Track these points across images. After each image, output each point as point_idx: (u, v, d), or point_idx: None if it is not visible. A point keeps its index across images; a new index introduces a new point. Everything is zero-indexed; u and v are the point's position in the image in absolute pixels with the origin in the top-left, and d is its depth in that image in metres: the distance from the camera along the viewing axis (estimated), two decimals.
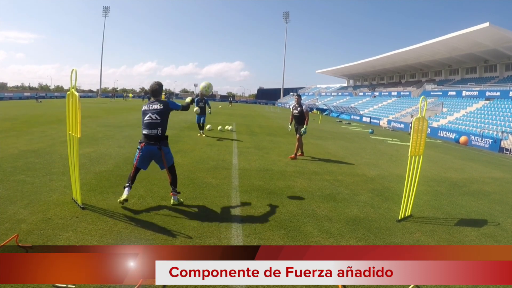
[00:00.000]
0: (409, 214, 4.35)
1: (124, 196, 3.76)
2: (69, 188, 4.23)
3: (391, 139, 16.36)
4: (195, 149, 8.38)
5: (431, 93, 33.24)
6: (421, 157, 4.24)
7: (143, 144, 3.93)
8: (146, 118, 3.98)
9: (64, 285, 2.27)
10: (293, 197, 4.82)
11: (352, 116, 36.12)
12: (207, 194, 4.61)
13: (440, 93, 32.19)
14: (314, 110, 45.13)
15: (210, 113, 11.65)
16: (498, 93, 24.98)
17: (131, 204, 4.00)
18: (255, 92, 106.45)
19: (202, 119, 11.04)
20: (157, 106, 3.98)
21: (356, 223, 3.99)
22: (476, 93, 27.26)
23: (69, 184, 4.20)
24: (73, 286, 2.28)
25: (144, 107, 4.05)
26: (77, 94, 3.49)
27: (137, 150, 3.99)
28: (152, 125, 3.95)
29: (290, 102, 65.91)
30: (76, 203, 3.81)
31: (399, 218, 4.21)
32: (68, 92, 3.61)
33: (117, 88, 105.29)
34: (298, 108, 8.10)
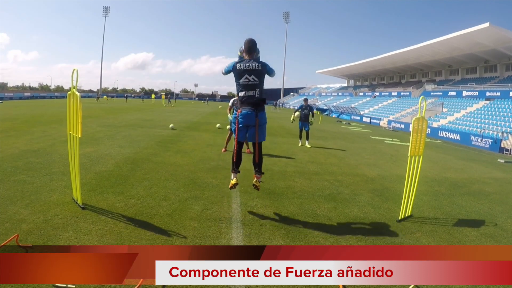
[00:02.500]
0: (409, 214, 4.35)
1: (233, 180, 3.77)
2: (69, 188, 4.24)
3: (391, 139, 16.36)
4: (195, 149, 8.38)
5: (431, 93, 33.23)
6: (421, 157, 4.24)
7: (240, 110, 3.69)
8: (242, 79, 3.67)
9: (64, 285, 2.28)
10: (293, 197, 4.82)
11: (352, 116, 36.11)
12: (207, 194, 4.61)
13: (440, 93, 32.17)
14: (315, 110, 45.14)
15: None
16: (498, 93, 24.97)
17: (131, 204, 4.00)
18: None
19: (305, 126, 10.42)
20: (254, 65, 3.67)
21: (356, 223, 3.99)
22: (476, 93, 27.25)
23: (69, 184, 4.21)
24: (73, 286, 2.28)
25: (239, 66, 3.70)
26: (78, 94, 3.49)
27: (232, 122, 3.80)
28: (249, 87, 3.67)
29: (290, 102, 65.91)
30: (76, 203, 3.81)
31: (399, 218, 4.21)
32: (69, 92, 3.61)
33: (117, 88, 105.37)
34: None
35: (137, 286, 2.30)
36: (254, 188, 4.01)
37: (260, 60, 3.80)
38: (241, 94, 3.68)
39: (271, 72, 3.82)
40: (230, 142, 8.20)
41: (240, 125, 3.73)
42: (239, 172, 3.89)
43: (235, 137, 3.77)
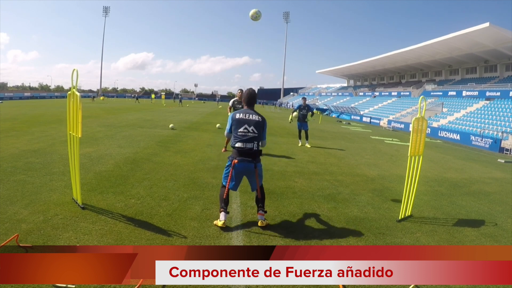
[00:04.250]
0: (409, 214, 4.35)
1: (221, 220, 3.44)
2: (69, 188, 4.24)
3: (391, 139, 16.36)
4: (195, 149, 8.38)
5: (431, 93, 33.23)
6: (421, 157, 4.24)
7: (236, 160, 3.47)
8: (241, 129, 3.53)
9: (64, 285, 2.28)
10: (293, 197, 4.82)
11: (352, 116, 36.11)
12: (207, 194, 4.61)
13: (440, 93, 32.17)
14: (315, 110, 45.14)
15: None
16: (498, 93, 24.96)
17: (131, 204, 4.00)
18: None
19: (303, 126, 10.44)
20: (255, 117, 3.56)
21: (356, 223, 3.99)
22: (476, 93, 27.25)
23: (69, 184, 4.21)
24: (73, 286, 2.28)
25: (238, 116, 3.57)
26: (78, 94, 3.49)
27: (227, 167, 3.59)
28: (248, 139, 3.51)
29: (290, 102, 65.88)
30: (76, 203, 3.81)
31: (399, 218, 4.21)
32: (69, 92, 3.61)
33: (117, 87, 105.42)
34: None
35: (137, 286, 2.29)
36: (260, 227, 3.62)
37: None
38: (238, 145, 3.50)
39: (264, 133, 3.69)
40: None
41: (234, 176, 3.55)
42: (228, 213, 3.56)
43: (226, 185, 3.54)
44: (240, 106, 8.21)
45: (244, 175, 3.62)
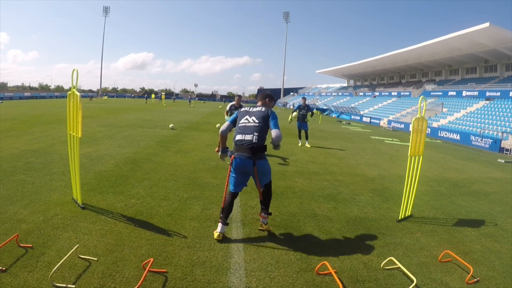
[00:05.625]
0: (409, 214, 4.35)
1: (217, 231, 3.14)
2: (69, 188, 4.24)
3: (391, 139, 16.36)
4: (195, 149, 8.39)
5: (431, 93, 33.22)
6: (421, 157, 4.24)
7: (233, 156, 3.14)
8: (242, 120, 3.26)
9: (64, 285, 2.28)
10: (293, 197, 4.82)
11: (352, 116, 36.10)
12: (207, 194, 4.61)
13: (440, 93, 32.16)
14: (315, 110, 45.17)
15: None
16: (498, 93, 24.96)
17: (131, 204, 4.00)
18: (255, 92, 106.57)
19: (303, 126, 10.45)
20: (258, 108, 3.30)
21: (356, 223, 3.98)
22: (476, 93, 27.24)
23: (69, 184, 4.21)
24: (73, 286, 2.28)
25: (243, 109, 3.40)
26: (78, 94, 3.49)
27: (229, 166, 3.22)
28: (246, 129, 3.16)
29: (290, 102, 65.85)
30: (76, 203, 3.81)
31: (399, 218, 4.21)
32: (69, 92, 3.60)
33: (117, 87, 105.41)
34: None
35: (137, 286, 2.30)
36: (260, 230, 3.35)
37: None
38: (237, 138, 3.18)
39: (273, 124, 3.19)
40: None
41: (233, 174, 3.19)
42: (227, 224, 3.22)
43: (226, 184, 3.23)
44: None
45: (248, 174, 3.22)
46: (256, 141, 3.10)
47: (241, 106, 8.28)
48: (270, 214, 3.36)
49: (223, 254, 2.91)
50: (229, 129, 3.41)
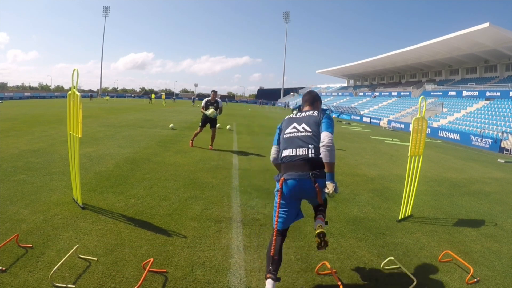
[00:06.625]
0: (409, 214, 4.35)
1: None
2: (69, 188, 4.24)
3: (391, 139, 16.36)
4: (195, 149, 8.39)
5: (431, 93, 33.22)
6: (421, 157, 4.24)
7: (283, 178, 2.37)
8: (287, 130, 2.53)
9: (64, 285, 2.28)
10: None
11: (352, 116, 36.09)
12: (207, 194, 4.61)
13: (440, 93, 32.16)
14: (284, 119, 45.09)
15: None
16: (498, 93, 24.96)
17: (131, 204, 4.00)
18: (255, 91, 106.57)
19: None
20: (308, 112, 2.57)
21: (356, 223, 3.98)
22: (476, 93, 27.24)
23: (69, 184, 4.21)
24: (73, 286, 2.28)
25: (288, 116, 2.68)
26: (78, 94, 3.49)
27: (275, 195, 2.45)
28: (296, 140, 2.43)
29: (292, 101, 65.84)
30: (76, 203, 3.81)
31: (399, 218, 4.21)
32: (69, 92, 3.61)
33: (117, 87, 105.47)
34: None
35: (137, 286, 2.30)
36: (318, 240, 2.36)
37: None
38: (285, 153, 2.43)
39: (327, 121, 2.45)
40: (197, 138, 8.92)
41: (284, 206, 2.42)
42: (278, 280, 2.30)
43: (275, 222, 2.41)
44: (212, 107, 8.54)
45: (302, 199, 2.52)
46: (313, 154, 2.34)
47: (216, 102, 8.54)
48: (326, 223, 2.57)
49: (223, 254, 2.91)
50: (277, 150, 2.63)
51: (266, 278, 2.25)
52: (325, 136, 2.35)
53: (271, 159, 2.67)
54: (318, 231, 2.36)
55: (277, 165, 2.61)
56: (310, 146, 2.36)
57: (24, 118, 13.58)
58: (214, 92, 8.59)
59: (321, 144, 2.33)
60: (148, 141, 9.14)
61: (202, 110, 8.42)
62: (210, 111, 8.31)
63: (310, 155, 2.34)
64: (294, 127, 2.50)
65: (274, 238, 2.36)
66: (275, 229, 2.39)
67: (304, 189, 2.34)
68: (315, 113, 2.53)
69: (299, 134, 2.44)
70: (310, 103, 2.71)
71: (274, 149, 2.65)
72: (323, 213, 2.54)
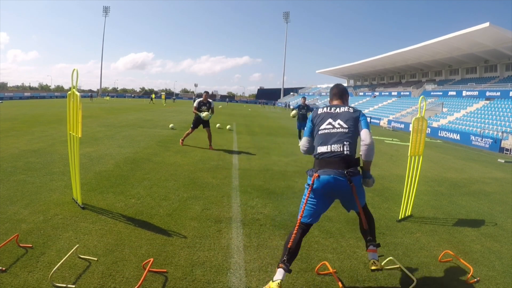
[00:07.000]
0: (409, 214, 4.35)
1: (275, 279, 2.20)
2: (69, 188, 4.24)
3: (391, 139, 16.35)
4: (195, 149, 8.39)
5: (431, 93, 33.22)
6: (421, 157, 4.24)
7: (316, 174, 2.34)
8: (323, 126, 2.49)
9: (64, 285, 2.27)
10: (293, 197, 4.82)
11: None
12: (207, 194, 4.61)
13: (440, 93, 32.17)
14: (315, 110, 45.15)
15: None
16: (498, 93, 24.96)
17: (131, 204, 4.00)
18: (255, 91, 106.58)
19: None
20: (344, 108, 2.54)
21: (356, 223, 3.95)
22: (476, 93, 27.25)
23: (69, 184, 4.21)
24: (73, 286, 2.28)
25: (321, 110, 2.62)
26: (78, 94, 3.49)
27: (306, 188, 2.43)
28: (332, 136, 2.41)
29: (292, 101, 65.85)
30: (76, 203, 3.81)
31: (399, 218, 4.21)
32: (69, 92, 3.60)
33: (117, 87, 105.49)
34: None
35: (137, 286, 2.29)
36: (374, 270, 2.37)
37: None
38: (321, 150, 2.42)
39: (364, 126, 2.45)
40: (188, 138, 8.97)
41: (313, 200, 2.40)
42: (290, 271, 2.29)
43: (300, 214, 2.40)
44: (205, 107, 8.56)
45: (335, 198, 2.48)
46: (348, 151, 2.35)
47: (209, 102, 8.55)
48: (379, 245, 2.47)
49: (223, 254, 2.91)
50: (311, 145, 2.61)
51: (278, 267, 2.26)
52: (366, 135, 2.40)
53: (302, 150, 2.68)
54: (373, 268, 2.33)
55: (306, 149, 2.65)
56: (345, 143, 2.37)
57: (24, 118, 13.58)
58: (206, 92, 8.79)
59: (362, 142, 2.39)
60: (148, 141, 9.15)
61: (195, 111, 8.51)
62: (205, 113, 8.44)
63: (345, 152, 2.34)
64: (330, 123, 2.48)
65: (295, 229, 2.36)
66: (299, 221, 2.38)
67: (338, 187, 2.32)
68: (351, 109, 2.53)
69: (335, 130, 2.43)
70: (339, 97, 2.72)
71: (305, 140, 2.65)
72: (374, 242, 2.45)
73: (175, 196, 4.41)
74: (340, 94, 2.73)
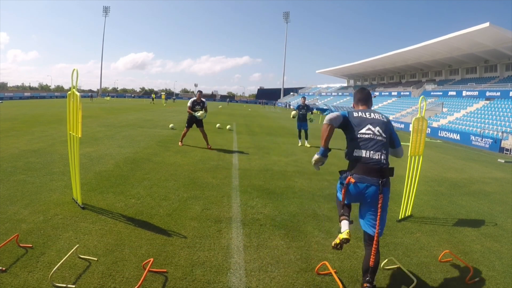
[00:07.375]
0: (409, 214, 4.35)
1: (344, 229, 2.38)
2: (69, 188, 4.24)
3: None
4: (195, 149, 8.40)
5: (431, 93, 33.22)
6: (421, 157, 4.24)
7: (352, 179, 2.40)
8: (363, 130, 2.48)
9: (64, 285, 2.28)
10: (293, 197, 4.81)
11: None
12: (207, 194, 4.61)
13: (440, 93, 32.16)
14: (315, 110, 45.21)
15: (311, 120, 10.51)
16: (498, 93, 24.96)
17: (131, 204, 4.00)
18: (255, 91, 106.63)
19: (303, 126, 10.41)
20: (378, 116, 2.56)
21: (356, 223, 3.97)
22: (476, 93, 27.24)
23: (69, 184, 4.21)
24: (73, 286, 2.28)
25: (356, 114, 2.58)
26: (78, 94, 3.49)
27: (340, 185, 2.60)
28: (373, 144, 2.42)
29: (293, 101, 65.83)
30: (76, 203, 3.81)
31: (399, 218, 4.21)
32: (69, 92, 3.60)
33: (117, 87, 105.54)
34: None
35: (137, 286, 2.30)
36: None
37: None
38: (359, 154, 2.43)
39: (395, 138, 2.63)
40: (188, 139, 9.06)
41: (347, 198, 2.54)
42: (351, 222, 2.50)
43: (342, 199, 2.54)
44: (199, 107, 8.58)
45: (361, 201, 2.50)
46: (384, 161, 2.39)
47: (202, 102, 8.63)
48: (375, 286, 2.33)
49: (223, 254, 2.91)
50: (340, 122, 2.58)
51: (340, 220, 2.46)
52: (402, 152, 2.73)
53: (329, 119, 2.55)
54: None
55: (331, 130, 2.59)
56: (384, 151, 2.43)
57: (24, 118, 13.58)
58: (200, 92, 8.89)
59: (394, 154, 2.69)
60: (148, 141, 9.15)
61: (190, 110, 8.58)
62: (200, 113, 8.53)
63: (382, 161, 2.39)
64: (370, 129, 2.48)
65: (343, 200, 2.52)
66: (343, 201, 2.53)
67: (368, 193, 2.37)
68: (382, 117, 2.57)
69: (376, 138, 2.45)
70: (365, 102, 2.76)
71: (336, 115, 2.57)
72: (372, 285, 2.27)
73: (175, 196, 4.41)
74: (366, 99, 2.77)
